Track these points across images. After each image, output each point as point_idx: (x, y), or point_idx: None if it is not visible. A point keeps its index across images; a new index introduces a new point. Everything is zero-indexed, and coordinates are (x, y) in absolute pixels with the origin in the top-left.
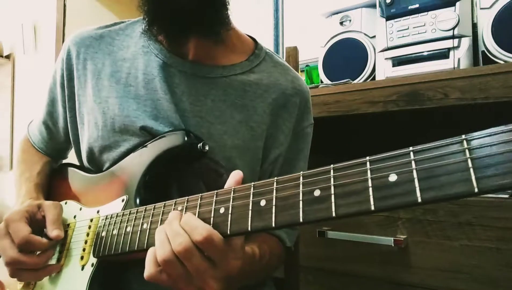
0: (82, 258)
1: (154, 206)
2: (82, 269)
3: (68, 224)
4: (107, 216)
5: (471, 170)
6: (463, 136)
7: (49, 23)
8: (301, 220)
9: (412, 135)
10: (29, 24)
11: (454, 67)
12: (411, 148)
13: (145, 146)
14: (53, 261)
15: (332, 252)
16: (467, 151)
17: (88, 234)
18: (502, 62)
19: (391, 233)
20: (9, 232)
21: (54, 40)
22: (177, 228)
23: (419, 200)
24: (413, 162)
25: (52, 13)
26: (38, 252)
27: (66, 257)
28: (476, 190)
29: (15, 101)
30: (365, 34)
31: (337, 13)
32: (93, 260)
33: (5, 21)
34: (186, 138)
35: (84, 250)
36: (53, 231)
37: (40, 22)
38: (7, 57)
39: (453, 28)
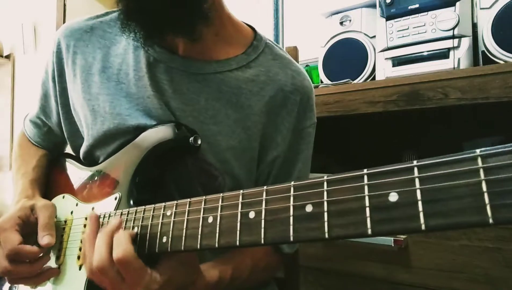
0: (79, 257)
1: (144, 209)
2: (80, 268)
3: (65, 221)
4: (100, 215)
5: (486, 195)
6: (478, 151)
7: (49, 23)
8: (291, 239)
9: (412, 135)
10: (29, 24)
11: (454, 67)
12: (415, 163)
13: (136, 140)
14: (52, 259)
15: (332, 252)
16: (481, 171)
17: (83, 233)
18: (502, 62)
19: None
20: (0, 241)
21: None
22: (100, 244)
23: (423, 227)
24: (417, 180)
25: (52, 13)
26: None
27: (64, 256)
28: (491, 221)
29: (15, 101)
30: (365, 34)
31: (337, 13)
32: None
33: (5, 21)
34: (176, 131)
35: (80, 249)
36: (43, 238)
37: (40, 22)
38: (7, 57)
39: (453, 28)
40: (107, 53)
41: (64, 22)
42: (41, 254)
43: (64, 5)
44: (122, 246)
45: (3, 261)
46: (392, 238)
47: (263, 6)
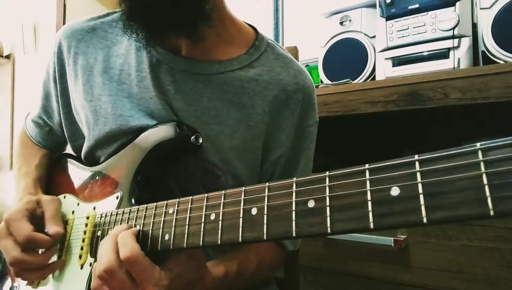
0: (80, 257)
1: (146, 207)
2: (81, 268)
3: (67, 221)
4: (102, 214)
5: (486, 188)
6: (478, 145)
7: (49, 23)
8: (294, 234)
9: (412, 135)
10: (29, 24)
11: (454, 67)
12: (416, 157)
13: (137, 140)
14: (54, 259)
15: (332, 252)
16: (482, 164)
17: (85, 232)
18: (502, 62)
19: (391, 233)
20: (11, 232)
21: None
22: (107, 247)
23: (425, 220)
24: (418, 174)
25: (52, 13)
26: (41, 250)
27: (66, 255)
28: (491, 213)
29: (15, 101)
30: (365, 34)
31: (337, 13)
32: (91, 259)
33: (5, 21)
34: (178, 130)
35: (82, 249)
36: (52, 228)
37: (40, 22)
38: (7, 57)
39: (453, 28)
40: (109, 53)
41: (64, 22)
42: (51, 244)
43: (64, 5)
44: (128, 246)
45: (13, 250)
46: (392, 238)
47: (263, 6)
